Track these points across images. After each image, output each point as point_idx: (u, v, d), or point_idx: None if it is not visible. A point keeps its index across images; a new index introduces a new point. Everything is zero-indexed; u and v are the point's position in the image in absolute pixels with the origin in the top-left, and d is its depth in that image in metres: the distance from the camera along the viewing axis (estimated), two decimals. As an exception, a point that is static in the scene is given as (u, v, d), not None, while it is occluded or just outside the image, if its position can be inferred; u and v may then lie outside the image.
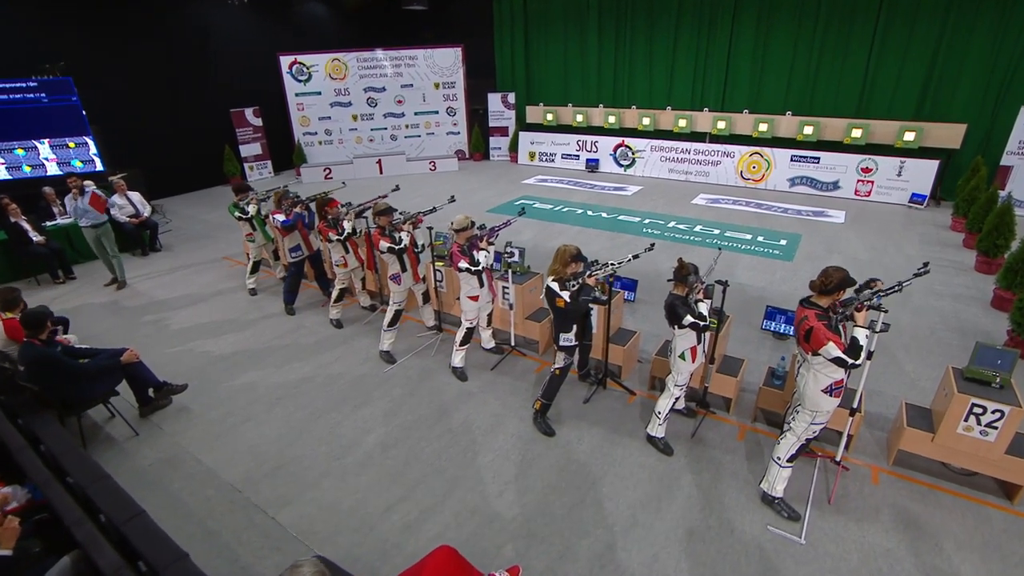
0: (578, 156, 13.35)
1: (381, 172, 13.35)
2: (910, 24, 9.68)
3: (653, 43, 12.27)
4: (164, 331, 6.29)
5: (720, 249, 4.85)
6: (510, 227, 5.45)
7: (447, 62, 13.64)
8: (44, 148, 8.64)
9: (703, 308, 3.74)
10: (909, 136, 9.89)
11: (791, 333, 5.54)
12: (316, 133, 13.60)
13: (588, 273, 4.12)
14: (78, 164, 8.94)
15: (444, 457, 4.21)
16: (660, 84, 12.53)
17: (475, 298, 5.02)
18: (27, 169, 8.61)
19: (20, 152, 8.55)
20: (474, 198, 11.15)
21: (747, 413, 4.56)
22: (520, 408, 4.71)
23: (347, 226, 5.81)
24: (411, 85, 13.70)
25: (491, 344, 5.59)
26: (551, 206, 10.42)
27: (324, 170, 12.85)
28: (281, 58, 12.72)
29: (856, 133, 10.32)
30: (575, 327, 4.27)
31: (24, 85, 8.23)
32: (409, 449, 4.31)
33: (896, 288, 3.31)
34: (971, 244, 7.67)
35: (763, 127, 11.14)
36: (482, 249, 4.82)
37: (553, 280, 4.06)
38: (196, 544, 3.43)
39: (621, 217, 9.58)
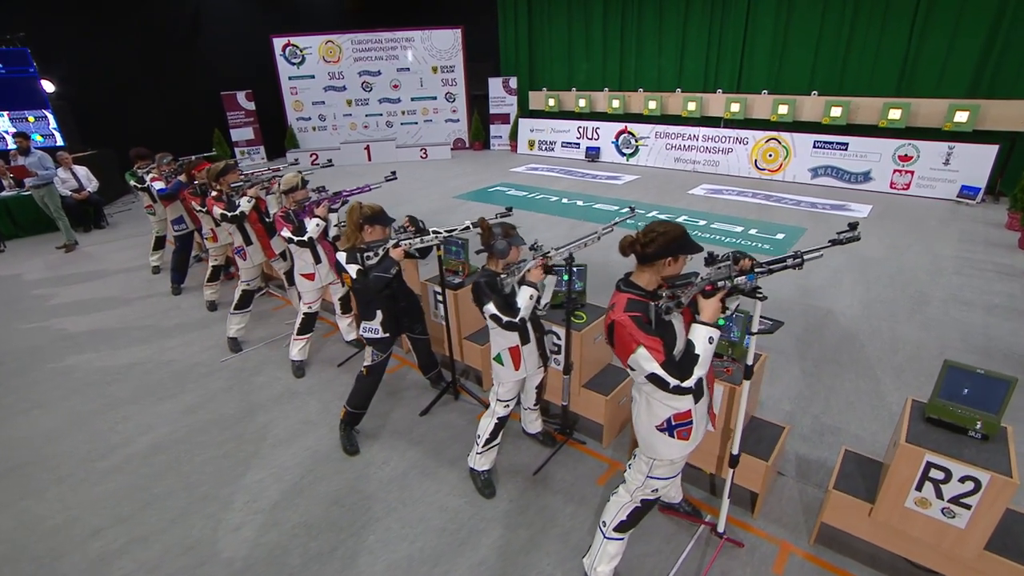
0: (578, 144, 12.05)
1: (369, 159, 12.62)
2: (966, -19, 7.79)
3: (663, 18, 10.82)
4: (37, 306, 5.68)
5: (633, 208, 3.34)
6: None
7: (446, 44, 12.74)
8: (3, 121, 8.42)
9: (525, 295, 2.50)
10: (961, 117, 7.96)
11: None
12: (310, 119, 13.07)
13: (395, 242, 2.99)
14: (38, 138, 8.70)
15: (208, 470, 3.23)
16: (670, 64, 11.04)
17: (310, 276, 4.00)
18: (-13, 140, 8.45)
19: (-20, 124, 8.40)
20: (449, 184, 10.16)
21: (624, 446, 3.24)
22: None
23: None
24: (407, 69, 12.90)
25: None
26: (525, 193, 9.23)
27: (311, 155, 12.24)
28: (274, 40, 12.27)
29: (894, 115, 8.47)
30: (380, 313, 3.15)
31: (-20, 55, 8.06)
32: (177, 456, 3.36)
33: (787, 262, 1.97)
34: (1028, 244, 5.84)
35: (783, 109, 9.44)
36: (316, 216, 3.76)
37: (343, 250, 2.96)
38: None
39: (597, 206, 8.25)
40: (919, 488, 2.17)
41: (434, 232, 3.12)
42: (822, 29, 9.14)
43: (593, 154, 11.76)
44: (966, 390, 2.14)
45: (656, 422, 2.01)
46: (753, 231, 6.92)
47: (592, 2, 11.62)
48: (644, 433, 2.08)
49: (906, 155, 8.35)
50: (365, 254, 2.98)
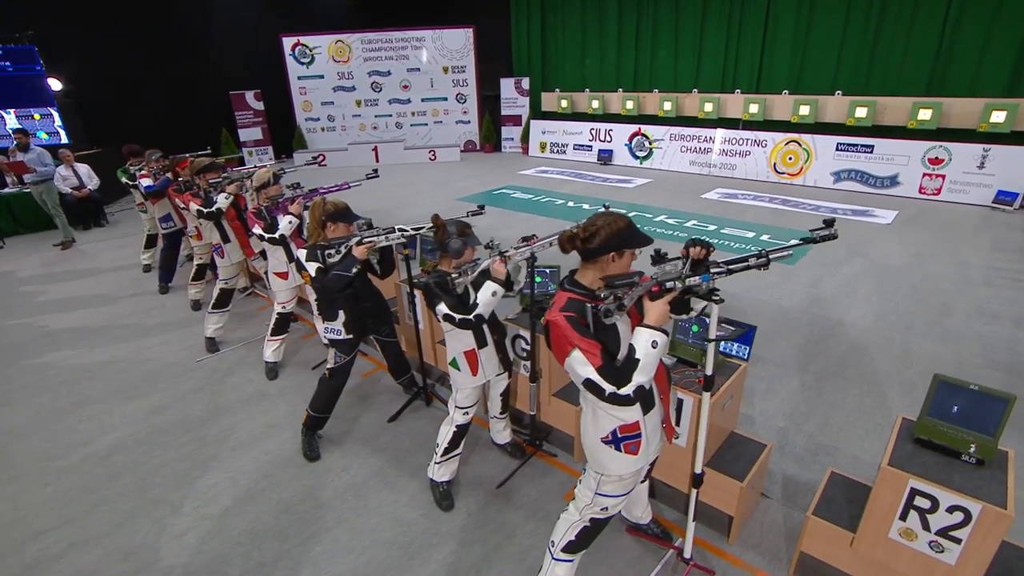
0: (591, 147, 11.93)
1: (377, 160, 12.69)
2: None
3: (679, 16, 10.67)
4: (24, 303, 5.80)
5: (607, 207, 3.20)
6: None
7: (457, 44, 12.79)
8: (11, 119, 8.70)
9: (488, 291, 2.41)
10: (998, 117, 7.62)
11: (732, 352, 3.94)
12: (319, 119, 13.23)
13: (358, 240, 2.92)
14: (43, 135, 8.96)
15: (165, 472, 3.20)
16: (686, 64, 10.87)
17: (283, 275, 3.97)
18: (-7, 138, 8.73)
19: (-12, 122, 8.69)
20: (456, 186, 10.14)
21: (598, 460, 3.10)
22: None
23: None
24: (418, 69, 12.97)
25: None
26: (531, 196, 9.15)
27: (318, 156, 12.38)
28: (284, 39, 12.48)
29: (924, 115, 8.16)
30: (343, 313, 3.08)
31: (-11, 53, 8.35)
32: (135, 457, 3.35)
33: (749, 262, 1.83)
34: (1065, 254, 5.50)
35: (804, 110, 9.19)
36: (290, 213, 3.73)
37: (304, 247, 2.92)
38: None
39: (602, 210, 8.08)
40: (903, 517, 1.99)
41: (399, 230, 3.05)
42: (847, 25, 8.88)
43: (605, 157, 11.62)
44: (956, 408, 1.96)
45: (601, 434, 1.89)
46: (765, 237, 6.71)
47: (607, 0, 11.53)
48: (590, 445, 1.95)
49: (937, 158, 8.02)
50: (326, 252, 2.92)
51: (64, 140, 9.06)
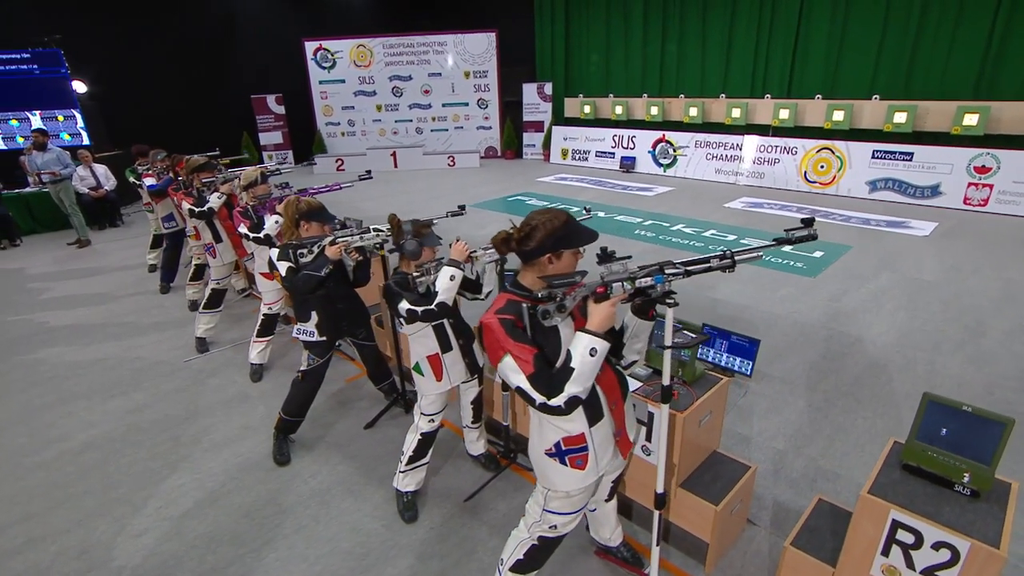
0: (613, 154, 11.83)
1: (396, 166, 12.86)
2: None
3: (707, 19, 10.52)
4: (29, 299, 6.04)
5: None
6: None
7: (479, 48, 12.91)
8: (36, 120, 9.15)
9: (446, 275, 2.38)
10: (1052, 123, 7.22)
11: (734, 367, 3.80)
12: (339, 123, 13.51)
13: (332, 240, 2.93)
14: (66, 137, 9.38)
15: (134, 471, 3.25)
16: (714, 68, 10.69)
17: (270, 276, 3.99)
18: (20, 140, 9.18)
19: (14, 123, 9.13)
20: (471, 192, 10.16)
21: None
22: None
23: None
24: (439, 74, 13.13)
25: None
26: (546, 203, 9.08)
27: (336, 161, 12.62)
28: (306, 44, 12.82)
29: (970, 120, 7.80)
30: (315, 314, 3.08)
31: (18, 56, 8.79)
32: (107, 456, 3.40)
33: (711, 263, 1.75)
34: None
35: (838, 115, 8.90)
36: (277, 213, 3.77)
37: (277, 247, 2.95)
38: None
39: (619, 217, 7.99)
40: (885, 553, 1.83)
41: (375, 230, 3.04)
42: (886, 24, 8.58)
43: (628, 164, 11.50)
44: (945, 430, 1.81)
45: (545, 446, 1.80)
46: (787, 248, 6.45)
47: (632, 3, 11.48)
48: (536, 458, 1.87)
49: (984, 166, 7.65)
50: (299, 251, 2.93)
51: (86, 141, 9.47)
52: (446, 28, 13.04)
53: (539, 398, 1.58)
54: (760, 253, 1.77)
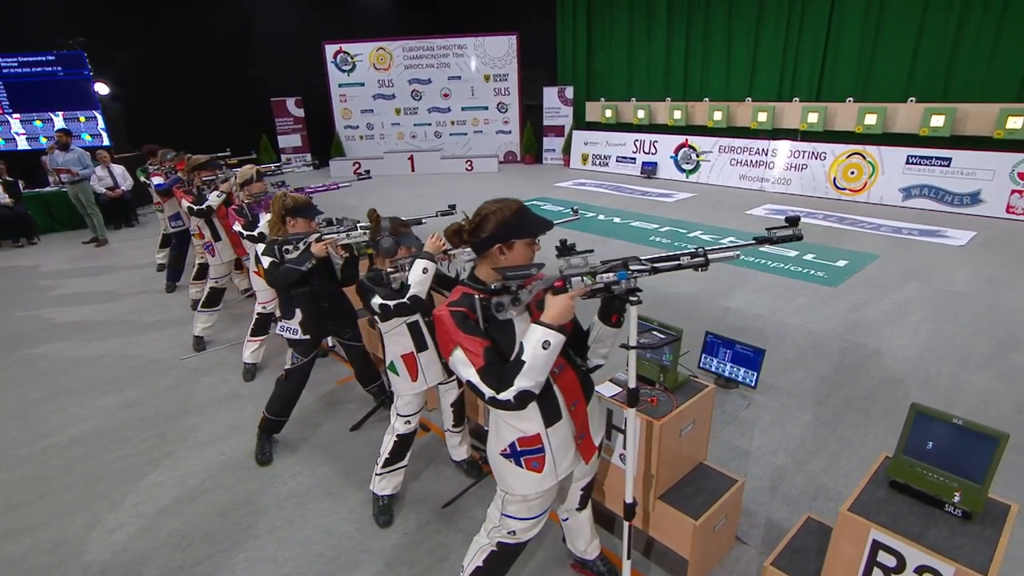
0: (634, 159, 11.73)
1: (413, 169, 12.99)
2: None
3: (733, 19, 10.39)
4: (38, 296, 6.26)
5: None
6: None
7: (499, 51, 13.00)
8: (59, 120, 9.54)
9: (419, 267, 2.38)
10: (1102, 127, 6.90)
11: (738, 377, 3.69)
12: (357, 127, 13.73)
13: (318, 237, 2.95)
14: (87, 137, 9.74)
15: (117, 467, 3.32)
16: (740, 70, 10.54)
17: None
18: (43, 140, 9.57)
19: (38, 124, 9.54)
20: (486, 196, 10.02)
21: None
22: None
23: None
24: (458, 77, 13.26)
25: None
26: (561, 208, 9.05)
27: (353, 164, 12.82)
28: (326, 47, 13.09)
29: (1014, 123, 7.50)
30: (299, 312, 3.10)
31: (43, 59, 9.19)
32: (93, 451, 3.48)
33: (682, 260, 1.69)
34: None
35: (870, 119, 8.67)
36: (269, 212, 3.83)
37: (263, 242, 2.99)
38: None
39: (635, 223, 7.90)
40: (866, 573, 1.74)
41: (363, 228, 3.05)
42: (923, 23, 8.33)
43: (649, 170, 11.39)
44: (932, 444, 1.71)
45: (501, 446, 1.77)
46: (809, 256, 6.31)
47: (656, 5, 11.42)
48: (492, 458, 1.83)
49: (1027, 173, 7.33)
50: (284, 247, 2.96)
51: (106, 142, 9.83)
52: (466, 31, 13.17)
53: (488, 392, 1.55)
54: (737, 253, 1.70)
